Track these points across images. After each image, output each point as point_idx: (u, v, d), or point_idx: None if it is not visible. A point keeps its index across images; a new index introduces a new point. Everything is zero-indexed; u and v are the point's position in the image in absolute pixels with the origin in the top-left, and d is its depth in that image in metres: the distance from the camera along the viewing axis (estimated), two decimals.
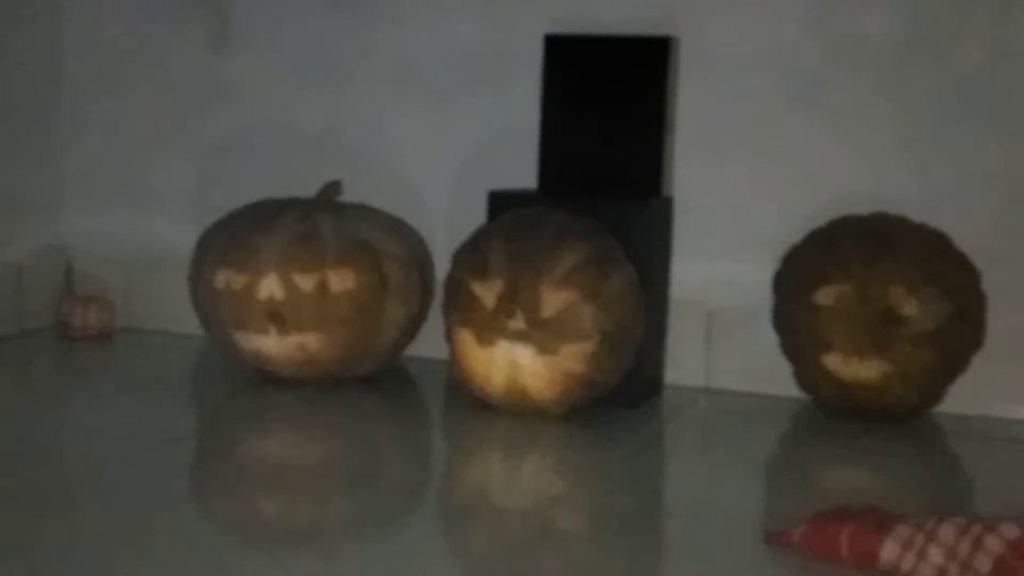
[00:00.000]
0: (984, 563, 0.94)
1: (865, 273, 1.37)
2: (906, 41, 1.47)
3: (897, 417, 1.41)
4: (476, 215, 1.48)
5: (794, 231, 1.46)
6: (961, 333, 1.38)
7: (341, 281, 1.44)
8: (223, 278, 1.46)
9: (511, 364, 1.35)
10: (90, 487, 1.13)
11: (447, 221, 1.63)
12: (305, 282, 1.43)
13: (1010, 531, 0.95)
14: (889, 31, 1.48)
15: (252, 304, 1.44)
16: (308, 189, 1.57)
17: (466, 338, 1.38)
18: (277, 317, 1.44)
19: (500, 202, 1.47)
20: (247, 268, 1.44)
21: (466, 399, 1.43)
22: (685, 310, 1.55)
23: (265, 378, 1.51)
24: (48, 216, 1.83)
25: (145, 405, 1.44)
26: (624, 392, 1.42)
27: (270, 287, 1.43)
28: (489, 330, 1.36)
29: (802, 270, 1.42)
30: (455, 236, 1.46)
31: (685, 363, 1.56)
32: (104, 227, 1.83)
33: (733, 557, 1.01)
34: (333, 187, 1.56)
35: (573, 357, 1.34)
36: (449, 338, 1.42)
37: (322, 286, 1.43)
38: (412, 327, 1.53)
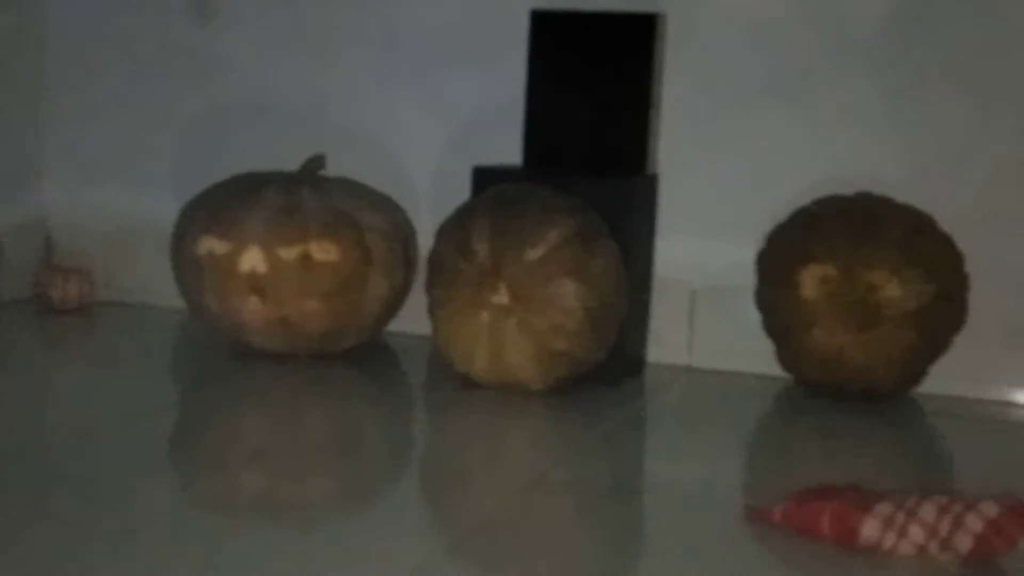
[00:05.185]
0: (964, 542, 0.95)
1: (849, 253, 1.37)
2: (894, 20, 1.47)
3: (879, 397, 1.41)
4: (460, 191, 1.48)
5: (779, 210, 1.45)
6: (944, 314, 1.38)
7: (324, 254, 1.44)
8: (205, 246, 1.45)
9: (494, 340, 1.35)
10: (69, 460, 1.12)
11: (431, 196, 1.62)
12: (288, 254, 1.43)
13: (990, 510, 0.95)
14: (877, 10, 1.47)
15: (234, 275, 1.43)
16: (292, 163, 1.56)
17: (449, 313, 1.38)
18: (259, 289, 1.43)
19: (485, 178, 1.46)
20: (230, 236, 1.43)
21: (448, 375, 1.42)
22: (669, 288, 1.55)
23: (246, 352, 1.50)
24: (28, 187, 1.81)
25: (125, 378, 1.43)
26: (607, 370, 1.41)
27: (252, 260, 1.43)
28: (472, 306, 1.36)
29: (786, 250, 1.42)
30: (439, 211, 1.45)
31: (668, 341, 1.56)
32: (85, 199, 1.82)
33: (714, 535, 1.01)
34: (316, 161, 1.55)
35: (556, 334, 1.34)
36: (432, 313, 1.41)
37: (305, 258, 1.43)
38: (395, 302, 1.53)
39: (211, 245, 1.45)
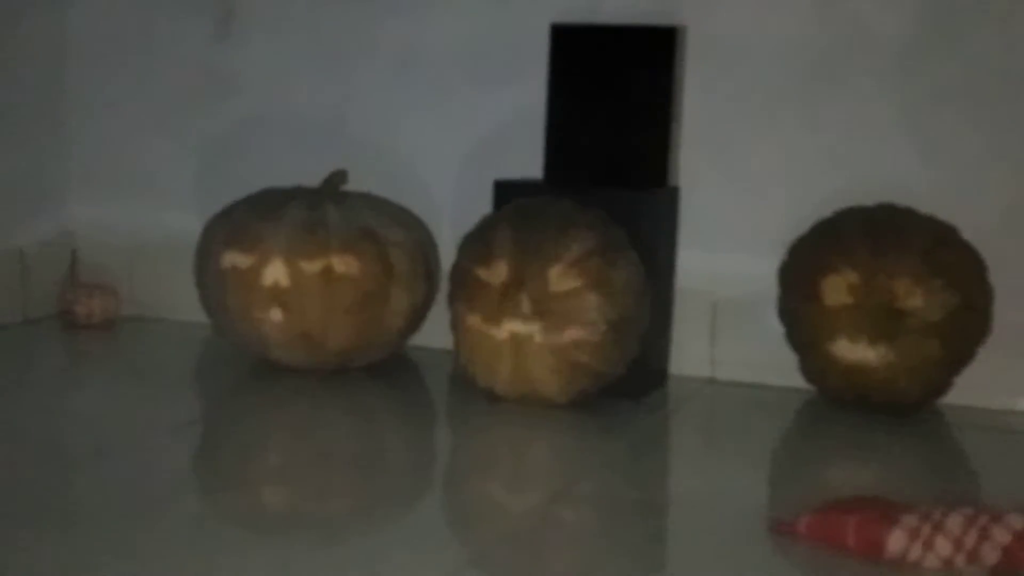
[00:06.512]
0: (991, 554, 0.94)
1: (871, 264, 1.36)
2: (915, 31, 1.47)
3: (903, 408, 1.40)
4: (482, 204, 1.48)
5: (800, 222, 1.45)
6: (967, 324, 1.37)
7: (346, 268, 1.44)
8: (228, 260, 1.45)
9: (516, 353, 1.35)
10: (93, 475, 1.13)
11: (453, 210, 1.63)
12: (310, 268, 1.43)
13: (1017, 522, 0.95)
14: (897, 21, 1.47)
15: (257, 289, 1.44)
16: (313, 178, 1.56)
17: (471, 326, 1.38)
18: (282, 303, 1.43)
19: (506, 191, 1.46)
20: (253, 250, 1.44)
21: (471, 389, 1.42)
22: (691, 300, 1.54)
23: (270, 367, 1.51)
24: (53, 204, 1.83)
25: (149, 393, 1.44)
26: (629, 382, 1.41)
27: (275, 274, 1.43)
28: (495, 318, 1.36)
29: (808, 261, 1.42)
30: (461, 226, 1.46)
31: (690, 353, 1.56)
32: (109, 215, 1.83)
33: (739, 547, 1.01)
34: (338, 176, 1.56)
35: (578, 346, 1.34)
36: (455, 327, 1.41)
37: (327, 272, 1.43)
38: (417, 316, 1.53)
39: (234, 259, 1.45)
